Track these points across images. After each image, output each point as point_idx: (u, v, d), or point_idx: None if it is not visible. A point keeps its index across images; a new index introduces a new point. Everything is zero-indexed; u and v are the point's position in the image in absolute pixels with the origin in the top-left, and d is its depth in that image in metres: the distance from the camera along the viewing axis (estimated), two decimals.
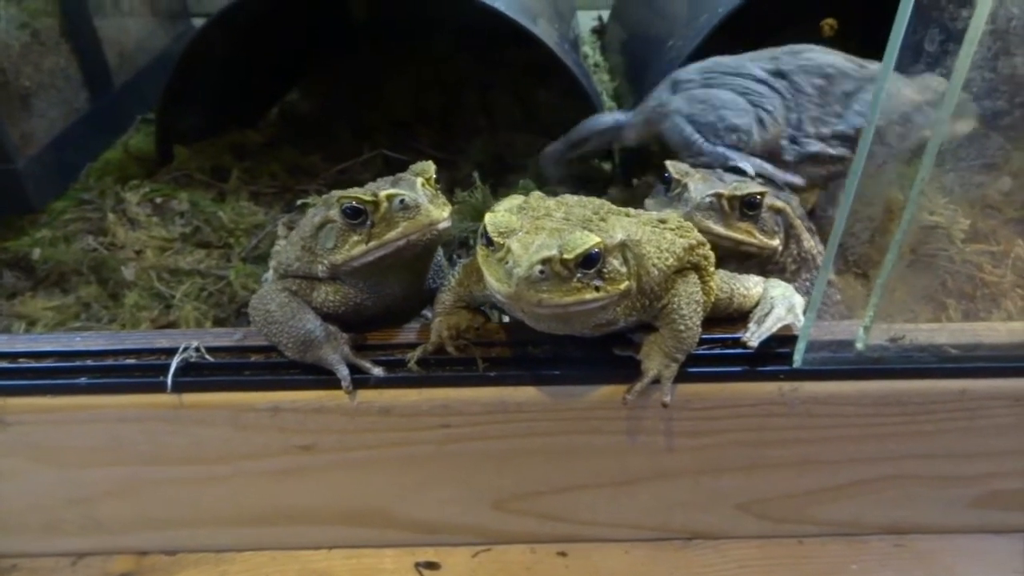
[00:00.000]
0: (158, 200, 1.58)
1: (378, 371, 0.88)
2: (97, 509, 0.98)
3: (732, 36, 1.48)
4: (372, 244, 0.85)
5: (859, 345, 0.90)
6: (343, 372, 0.87)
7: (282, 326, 0.87)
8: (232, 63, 1.80)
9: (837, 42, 2.14)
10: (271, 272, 1.01)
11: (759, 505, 1.00)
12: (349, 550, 1.02)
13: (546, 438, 0.92)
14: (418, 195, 0.85)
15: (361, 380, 0.88)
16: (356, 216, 0.85)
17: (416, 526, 1.01)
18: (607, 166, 1.73)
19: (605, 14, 2.38)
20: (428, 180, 0.89)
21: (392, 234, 0.84)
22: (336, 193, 0.93)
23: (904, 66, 0.75)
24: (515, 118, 1.96)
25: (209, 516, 1.00)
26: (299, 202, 1.55)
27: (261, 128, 1.96)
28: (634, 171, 1.63)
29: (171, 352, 0.91)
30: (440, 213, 0.86)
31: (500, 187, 1.64)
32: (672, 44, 1.52)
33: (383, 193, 0.85)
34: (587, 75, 1.67)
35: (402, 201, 0.84)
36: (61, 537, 1.01)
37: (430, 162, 0.92)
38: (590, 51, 2.28)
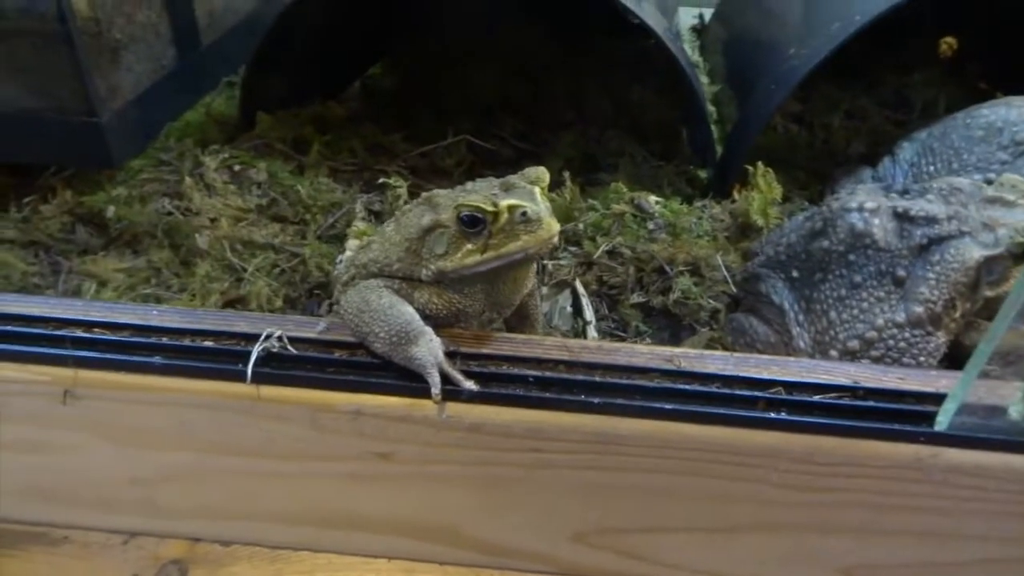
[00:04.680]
0: (236, 168, 1.53)
1: (470, 384, 0.81)
2: (156, 491, 0.94)
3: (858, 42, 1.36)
4: (489, 255, 0.81)
5: (1013, 413, 0.79)
6: (435, 378, 0.80)
7: (378, 314, 0.81)
8: (323, 31, 1.74)
9: (956, 63, 2.01)
10: (343, 260, 0.96)
11: (865, 571, 0.90)
12: (409, 563, 0.96)
13: (645, 475, 0.84)
14: (540, 208, 0.81)
15: (451, 392, 0.81)
16: (474, 225, 0.81)
17: (484, 547, 0.94)
18: (703, 174, 1.63)
19: (707, 12, 2.26)
20: (543, 189, 0.85)
21: (512, 246, 0.81)
22: (441, 193, 0.87)
23: None
24: (606, 114, 1.86)
25: (269, 511, 0.94)
26: (380, 181, 1.50)
27: (343, 101, 1.90)
28: (729, 182, 1.53)
29: (249, 337, 0.85)
30: (557, 225, 0.82)
31: (588, 187, 1.55)
32: (795, 52, 1.41)
33: (504, 203, 0.80)
34: (694, 70, 1.56)
35: (524, 214, 0.80)
36: (116, 514, 0.96)
37: (543, 168, 0.87)
38: (688, 50, 2.16)
